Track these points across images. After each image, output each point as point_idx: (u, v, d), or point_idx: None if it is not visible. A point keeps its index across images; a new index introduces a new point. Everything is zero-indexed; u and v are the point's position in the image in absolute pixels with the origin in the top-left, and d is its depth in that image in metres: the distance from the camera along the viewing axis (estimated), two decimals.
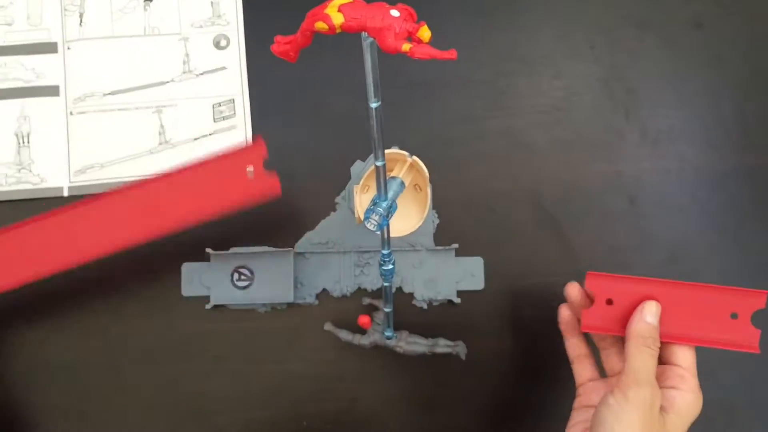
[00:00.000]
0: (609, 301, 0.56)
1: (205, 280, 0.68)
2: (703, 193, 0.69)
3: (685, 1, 0.71)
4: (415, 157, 0.60)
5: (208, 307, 0.67)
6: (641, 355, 0.51)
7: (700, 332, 0.55)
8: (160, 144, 0.71)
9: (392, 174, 0.57)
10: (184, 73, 0.72)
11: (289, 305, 0.68)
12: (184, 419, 0.68)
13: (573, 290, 0.58)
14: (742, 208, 0.69)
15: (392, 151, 0.60)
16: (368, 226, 0.48)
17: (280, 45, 0.41)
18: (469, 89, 0.70)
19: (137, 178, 0.69)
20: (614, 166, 0.69)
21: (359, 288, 0.68)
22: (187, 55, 0.72)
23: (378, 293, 0.68)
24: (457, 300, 0.68)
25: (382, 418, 0.68)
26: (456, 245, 0.68)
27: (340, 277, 0.69)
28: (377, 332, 0.64)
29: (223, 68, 0.72)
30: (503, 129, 0.69)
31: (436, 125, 0.70)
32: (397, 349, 0.64)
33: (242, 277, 0.68)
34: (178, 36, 0.72)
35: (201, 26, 0.72)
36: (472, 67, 0.70)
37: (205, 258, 0.68)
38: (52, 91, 0.71)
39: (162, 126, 0.71)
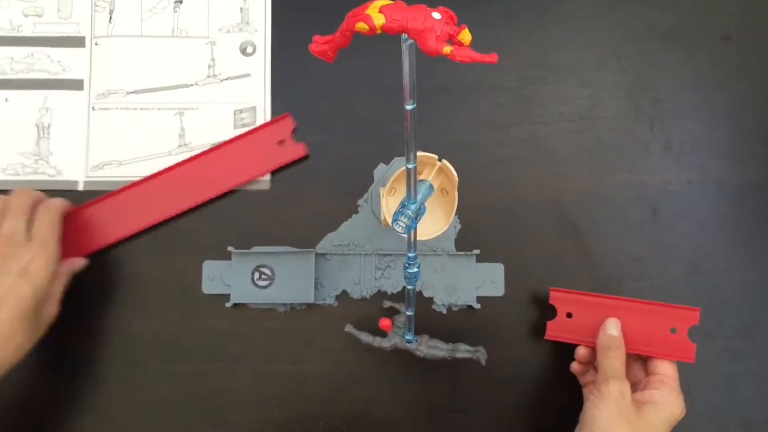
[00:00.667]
0: (569, 315, 0.65)
1: (226, 278, 0.67)
2: (725, 205, 0.70)
3: (713, 14, 0.72)
4: (444, 161, 0.60)
5: (228, 305, 0.66)
6: (608, 359, 0.61)
7: (647, 343, 0.63)
8: (179, 146, 0.70)
9: (421, 177, 0.57)
10: (208, 77, 0.72)
11: (309, 306, 0.67)
12: (199, 416, 0.66)
13: (581, 350, 0.65)
14: (764, 222, 0.70)
15: (422, 154, 0.60)
16: (396, 228, 0.47)
17: (318, 45, 0.41)
18: (494, 95, 0.71)
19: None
20: (637, 176, 0.70)
21: (379, 291, 0.68)
22: (212, 59, 0.72)
23: (398, 296, 0.67)
24: (477, 306, 0.67)
25: (397, 421, 0.67)
26: (477, 251, 0.68)
27: (360, 279, 0.68)
28: (398, 335, 0.63)
29: (248, 75, 0.72)
30: (527, 136, 0.70)
31: (459, 130, 0.70)
32: (418, 353, 0.63)
33: (263, 276, 0.67)
34: (205, 39, 0.72)
35: (229, 31, 0.73)
36: (498, 74, 0.71)
37: (227, 256, 0.67)
38: (77, 85, 0.70)
39: (182, 128, 0.71)
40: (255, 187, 0.70)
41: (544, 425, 0.67)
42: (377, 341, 0.64)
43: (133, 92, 0.71)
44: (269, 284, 0.67)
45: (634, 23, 0.72)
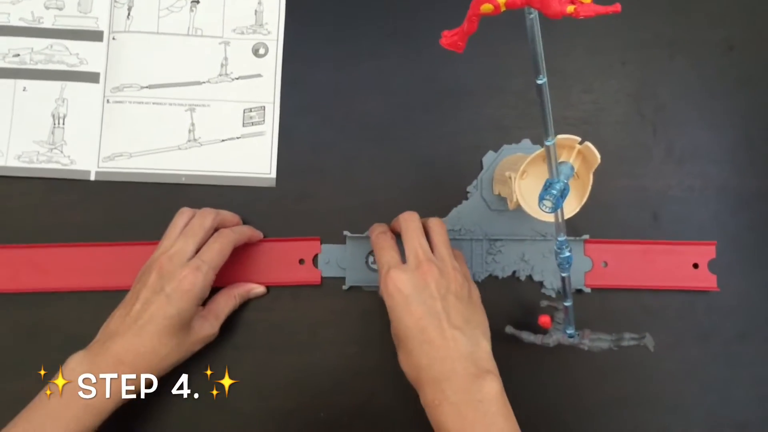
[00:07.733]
0: (604, 264, 0.70)
1: (342, 262, 0.69)
2: (726, 212, 0.71)
3: (718, 24, 0.73)
4: (587, 143, 0.57)
5: (344, 288, 0.68)
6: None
7: (674, 279, 0.69)
8: (189, 141, 0.72)
9: (561, 159, 0.56)
10: (220, 75, 0.74)
11: None
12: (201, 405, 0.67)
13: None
14: (764, 229, 0.71)
15: (562, 137, 0.57)
16: (542, 209, 0.48)
17: (448, 38, 0.42)
18: (500, 98, 0.72)
19: (163, 172, 0.71)
20: (639, 181, 0.71)
21: (490, 275, 0.69)
22: (225, 58, 0.74)
23: (508, 281, 0.69)
24: (588, 290, 0.68)
25: (397, 414, 0.67)
26: (587, 236, 0.69)
27: (471, 263, 0.69)
28: (558, 331, 0.62)
29: (259, 75, 0.74)
30: (531, 139, 0.71)
31: (465, 133, 0.72)
32: (582, 347, 0.61)
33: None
34: (219, 39, 0.74)
35: (242, 32, 0.74)
36: (504, 77, 0.72)
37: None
38: (93, 77, 0.72)
39: (192, 124, 0.72)
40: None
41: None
42: (540, 339, 0.63)
43: (147, 87, 0.73)
44: None
45: (640, 30, 0.73)
